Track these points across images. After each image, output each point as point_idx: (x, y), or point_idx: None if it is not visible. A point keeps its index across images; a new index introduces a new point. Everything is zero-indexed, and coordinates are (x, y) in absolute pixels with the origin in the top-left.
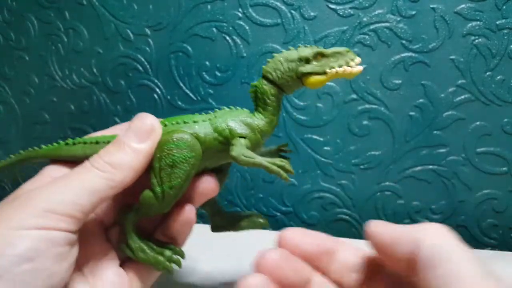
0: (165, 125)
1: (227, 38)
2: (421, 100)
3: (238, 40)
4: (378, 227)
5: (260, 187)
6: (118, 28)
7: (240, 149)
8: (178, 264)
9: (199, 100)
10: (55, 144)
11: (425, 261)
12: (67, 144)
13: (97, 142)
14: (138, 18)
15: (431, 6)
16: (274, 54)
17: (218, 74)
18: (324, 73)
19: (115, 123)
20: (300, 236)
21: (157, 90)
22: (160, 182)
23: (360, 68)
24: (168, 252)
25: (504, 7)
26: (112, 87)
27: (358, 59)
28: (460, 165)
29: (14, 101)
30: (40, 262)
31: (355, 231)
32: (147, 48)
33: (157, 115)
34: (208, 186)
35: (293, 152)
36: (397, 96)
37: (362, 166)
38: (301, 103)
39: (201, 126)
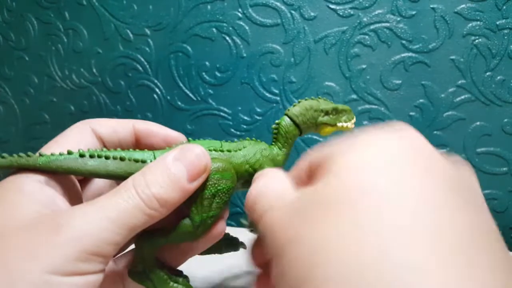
0: None
1: (227, 38)
2: (421, 100)
3: (238, 40)
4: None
5: None
6: (118, 28)
7: None
8: None
9: (199, 100)
10: (62, 153)
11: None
12: (82, 156)
13: (122, 159)
14: (138, 18)
15: (431, 6)
16: (300, 101)
17: (218, 74)
18: (335, 125)
19: None
20: None
21: (157, 90)
22: (200, 211)
23: (353, 126)
24: (180, 280)
25: (504, 7)
26: (112, 87)
27: (354, 119)
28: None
29: (14, 101)
30: None
31: None
32: (147, 48)
33: (157, 115)
34: (223, 228)
35: (293, 152)
36: (397, 96)
37: None
38: None
39: (236, 156)
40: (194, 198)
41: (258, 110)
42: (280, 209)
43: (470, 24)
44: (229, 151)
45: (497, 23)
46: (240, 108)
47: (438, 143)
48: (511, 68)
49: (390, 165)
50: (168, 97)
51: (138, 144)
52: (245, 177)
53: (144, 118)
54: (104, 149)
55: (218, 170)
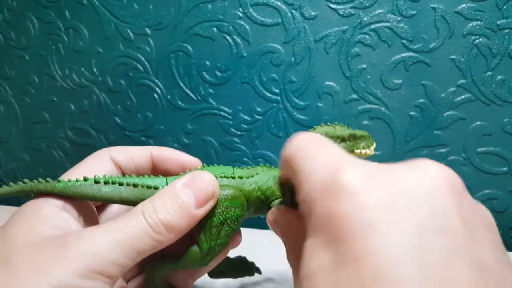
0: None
1: (228, 37)
2: (421, 100)
3: (238, 40)
4: None
5: None
6: (119, 28)
7: None
8: None
9: (200, 99)
10: (78, 179)
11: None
12: (97, 182)
13: (135, 186)
14: (138, 17)
15: (432, 5)
16: (315, 127)
17: (219, 73)
18: (353, 151)
19: (115, 123)
20: None
21: (157, 89)
22: (208, 239)
23: (373, 151)
24: None
25: (505, 7)
26: (112, 86)
27: (374, 144)
28: (461, 165)
29: (14, 100)
30: None
31: None
32: (147, 48)
33: (157, 114)
34: (239, 241)
35: None
36: (397, 96)
37: None
38: (302, 103)
39: (247, 183)
40: (203, 225)
41: (259, 109)
42: None
43: (471, 24)
44: (240, 177)
45: (498, 22)
46: (240, 107)
47: (438, 143)
48: (511, 68)
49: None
50: (169, 97)
51: (155, 170)
52: (256, 203)
53: (145, 117)
54: (120, 175)
55: (228, 197)
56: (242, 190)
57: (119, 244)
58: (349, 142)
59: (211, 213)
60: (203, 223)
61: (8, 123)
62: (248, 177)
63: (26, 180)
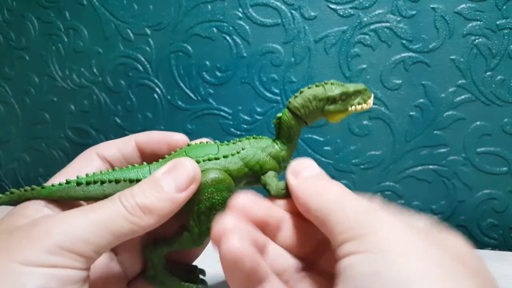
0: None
1: (227, 38)
2: (421, 100)
3: (238, 40)
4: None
5: (261, 188)
6: (118, 28)
7: (276, 187)
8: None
9: (199, 100)
10: (61, 183)
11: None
12: (79, 184)
13: (117, 181)
14: (138, 18)
15: (431, 6)
16: (302, 90)
17: (218, 74)
18: (346, 110)
19: (115, 123)
20: (251, 203)
21: (157, 90)
22: (198, 224)
23: (371, 104)
24: (192, 277)
25: (504, 7)
26: (112, 87)
27: (372, 97)
28: (460, 165)
29: (14, 101)
30: None
31: None
32: (147, 48)
33: (158, 114)
34: None
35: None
36: (397, 96)
37: (362, 166)
38: None
39: (232, 161)
40: (191, 212)
41: (259, 109)
42: None
43: (470, 24)
44: (225, 156)
45: (497, 23)
46: (240, 107)
47: (438, 143)
48: (511, 68)
49: None
50: (169, 97)
51: (143, 154)
52: (246, 179)
53: (145, 118)
54: (103, 170)
55: (212, 183)
56: (228, 170)
57: (92, 223)
58: (340, 102)
59: (197, 200)
60: (191, 210)
61: (8, 123)
62: (233, 155)
63: (13, 190)
